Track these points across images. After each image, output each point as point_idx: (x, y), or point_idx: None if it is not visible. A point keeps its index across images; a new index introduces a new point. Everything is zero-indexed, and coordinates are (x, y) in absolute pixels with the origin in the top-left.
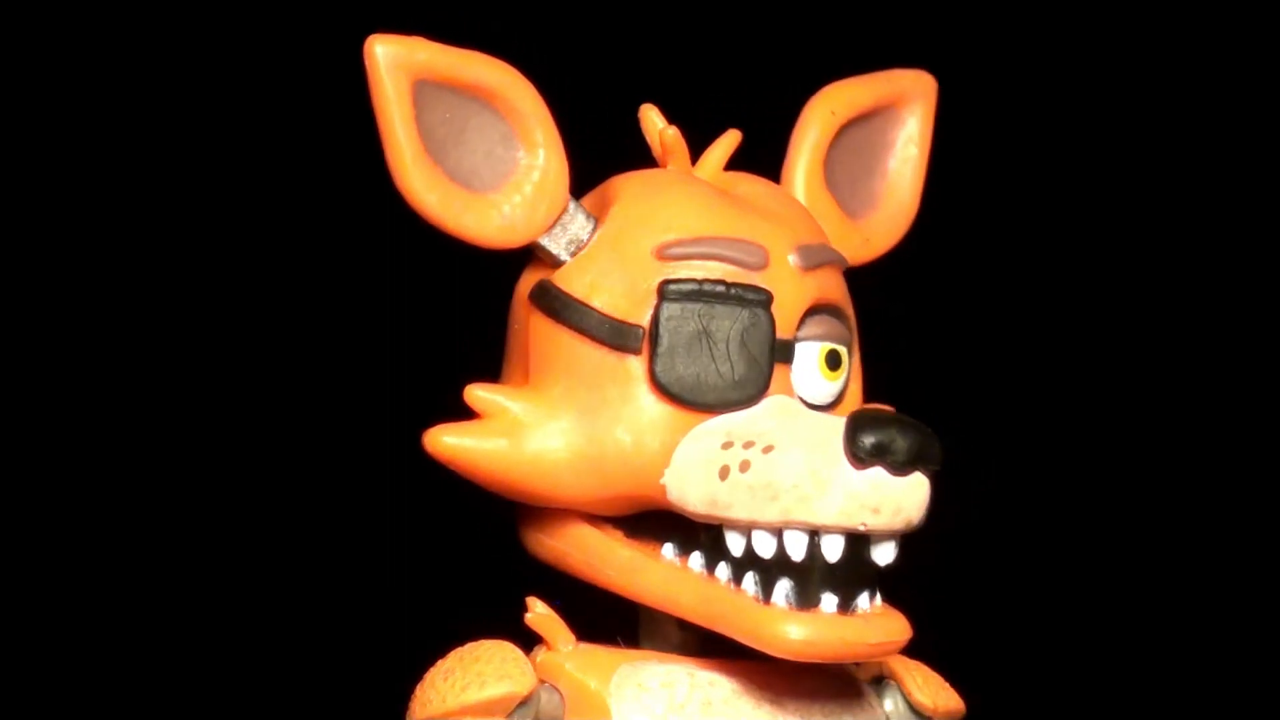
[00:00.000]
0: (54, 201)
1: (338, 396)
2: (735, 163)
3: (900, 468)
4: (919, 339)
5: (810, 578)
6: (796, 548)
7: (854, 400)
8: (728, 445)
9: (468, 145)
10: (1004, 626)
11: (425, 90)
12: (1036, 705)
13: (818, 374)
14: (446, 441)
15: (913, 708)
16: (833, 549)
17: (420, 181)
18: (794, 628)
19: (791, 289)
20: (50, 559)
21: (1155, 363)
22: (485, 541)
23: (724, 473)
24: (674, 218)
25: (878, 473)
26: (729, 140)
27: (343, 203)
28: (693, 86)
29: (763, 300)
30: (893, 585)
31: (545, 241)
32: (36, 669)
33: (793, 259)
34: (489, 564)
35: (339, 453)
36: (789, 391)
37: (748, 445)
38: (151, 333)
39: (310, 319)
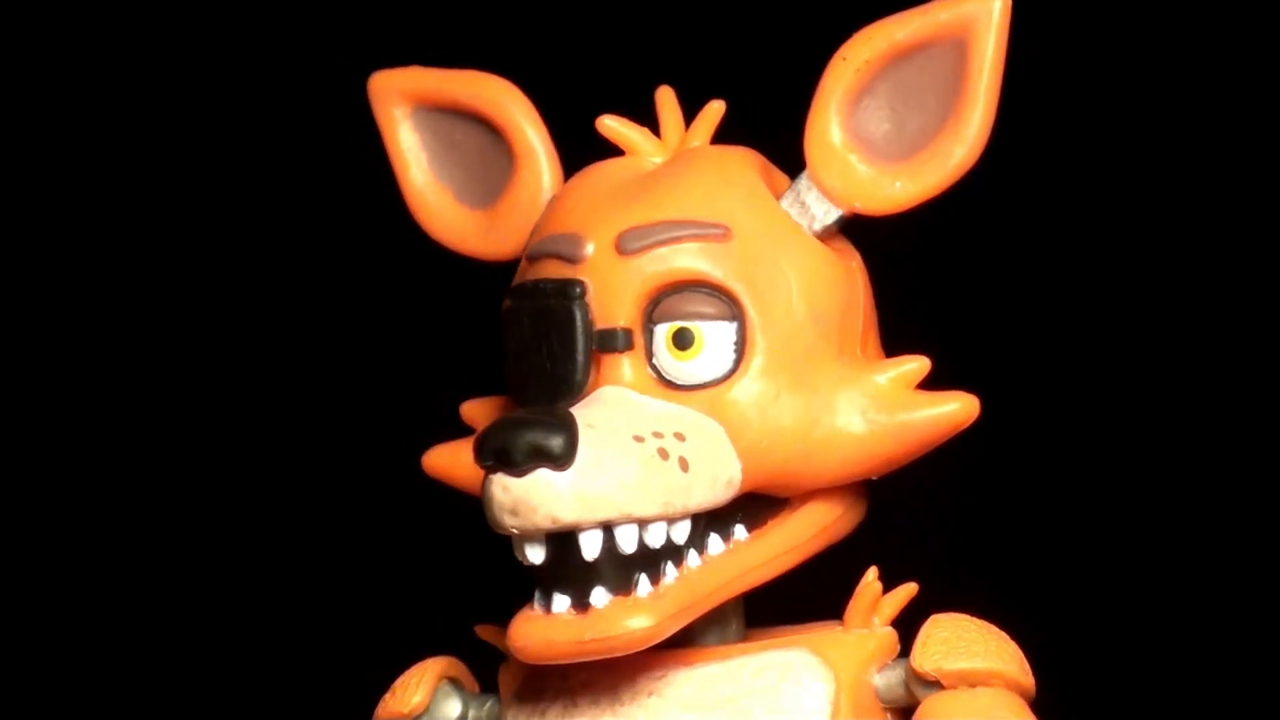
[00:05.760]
0: (60, 213)
1: (365, 416)
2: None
3: (518, 468)
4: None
5: (541, 580)
6: (520, 554)
7: (755, 376)
8: None
9: (471, 164)
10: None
11: (425, 117)
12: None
13: (668, 355)
14: (433, 462)
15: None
16: (534, 553)
17: (432, 210)
18: (522, 632)
19: (615, 275)
20: (42, 573)
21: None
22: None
23: None
24: (544, 218)
25: (500, 477)
26: (709, 112)
27: (371, 220)
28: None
29: (572, 293)
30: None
31: None
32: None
33: (618, 244)
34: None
35: (366, 470)
36: (637, 381)
37: None
38: (155, 348)
39: (337, 337)
